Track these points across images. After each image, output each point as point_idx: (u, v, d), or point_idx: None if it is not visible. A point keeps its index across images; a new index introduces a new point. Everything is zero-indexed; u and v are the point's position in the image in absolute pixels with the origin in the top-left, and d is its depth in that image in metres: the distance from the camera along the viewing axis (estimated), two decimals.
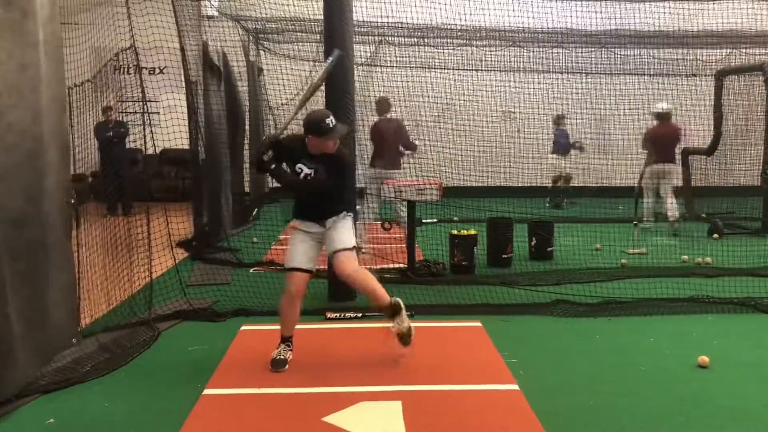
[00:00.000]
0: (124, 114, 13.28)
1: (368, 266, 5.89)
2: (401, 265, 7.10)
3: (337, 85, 5.79)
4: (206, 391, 4.00)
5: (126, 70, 12.34)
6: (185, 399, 3.89)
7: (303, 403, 3.84)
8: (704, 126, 10.59)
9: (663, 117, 9.98)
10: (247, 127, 11.14)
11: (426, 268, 7.11)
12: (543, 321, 5.50)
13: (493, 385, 4.14)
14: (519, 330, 5.27)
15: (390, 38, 12.03)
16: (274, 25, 11.07)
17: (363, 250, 7.46)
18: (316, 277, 4.76)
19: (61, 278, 4.43)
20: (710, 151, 10.17)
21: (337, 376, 4.24)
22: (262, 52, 12.24)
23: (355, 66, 6.16)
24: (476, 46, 12.42)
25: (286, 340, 4.47)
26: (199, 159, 8.73)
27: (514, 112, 12.45)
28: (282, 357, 4.37)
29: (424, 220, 7.39)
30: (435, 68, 12.42)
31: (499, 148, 11.46)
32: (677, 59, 12.57)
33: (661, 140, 9.85)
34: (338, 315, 5.54)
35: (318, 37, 10.16)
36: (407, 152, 8.51)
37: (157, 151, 11.80)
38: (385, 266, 7.19)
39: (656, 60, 12.71)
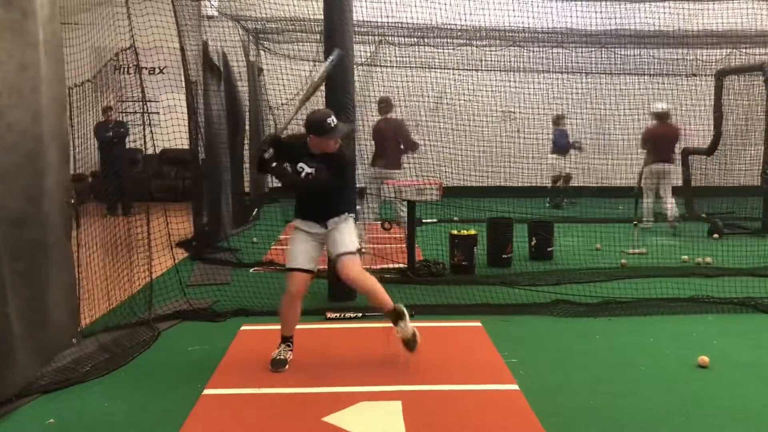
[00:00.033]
0: (124, 114, 13.26)
1: (368, 266, 5.89)
2: (401, 265, 7.10)
3: (337, 85, 5.79)
4: (206, 391, 4.00)
5: (126, 70, 12.33)
6: (185, 399, 3.89)
7: (303, 403, 3.84)
8: (704, 126, 10.60)
9: (661, 117, 10.00)
10: (247, 127, 11.13)
11: (426, 268, 7.11)
12: (543, 321, 5.50)
13: (493, 385, 4.13)
14: (519, 330, 5.27)
15: (390, 38, 12.02)
16: (274, 25, 11.06)
17: (363, 250, 7.44)
18: (316, 277, 4.75)
19: (61, 278, 4.43)
20: (710, 151, 10.18)
21: (337, 376, 4.24)
22: (262, 52, 12.23)
23: (355, 66, 6.16)
24: (476, 46, 12.40)
25: (286, 340, 4.46)
26: (199, 159, 8.73)
27: (514, 112, 12.44)
28: (282, 357, 4.37)
29: (424, 220, 7.39)
30: (435, 68, 12.41)
31: (499, 148, 11.43)
32: (677, 59, 12.56)
33: (660, 140, 9.86)
34: (338, 315, 5.54)
35: (318, 37, 10.15)
36: (409, 152, 8.51)
37: (157, 151, 11.78)
38: (385, 266, 7.19)
39: (656, 60, 12.70)
